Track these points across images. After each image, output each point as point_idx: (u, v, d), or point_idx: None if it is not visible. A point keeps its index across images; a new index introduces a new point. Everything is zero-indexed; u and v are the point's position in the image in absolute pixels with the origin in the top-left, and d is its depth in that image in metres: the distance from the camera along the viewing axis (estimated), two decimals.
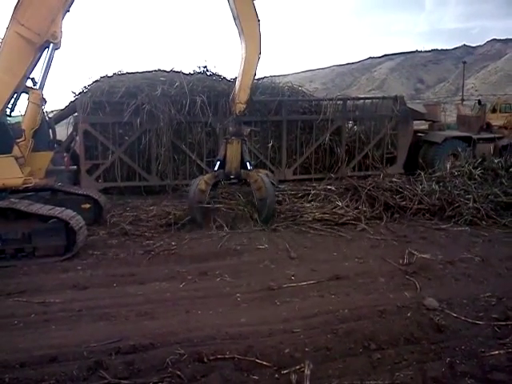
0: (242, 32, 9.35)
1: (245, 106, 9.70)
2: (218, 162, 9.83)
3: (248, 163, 9.84)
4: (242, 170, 9.76)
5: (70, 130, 13.42)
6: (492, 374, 4.08)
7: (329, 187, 10.89)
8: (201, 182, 9.42)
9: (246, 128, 10.26)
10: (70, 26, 8.44)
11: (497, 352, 4.44)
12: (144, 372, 4.16)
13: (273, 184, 10.22)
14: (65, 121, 13.61)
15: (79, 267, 7.20)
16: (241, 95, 9.60)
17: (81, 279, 6.64)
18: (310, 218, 9.47)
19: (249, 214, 9.46)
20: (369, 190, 10.19)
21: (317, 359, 4.36)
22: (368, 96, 12.77)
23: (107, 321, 5.31)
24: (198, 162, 13.19)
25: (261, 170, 10.97)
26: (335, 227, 9.17)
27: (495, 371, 4.12)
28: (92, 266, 7.28)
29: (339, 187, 10.86)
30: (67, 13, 8.10)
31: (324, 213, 9.66)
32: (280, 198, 10.45)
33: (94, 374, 4.10)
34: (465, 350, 4.52)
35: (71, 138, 13.37)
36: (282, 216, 9.63)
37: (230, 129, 10.08)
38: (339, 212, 9.67)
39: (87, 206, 9.16)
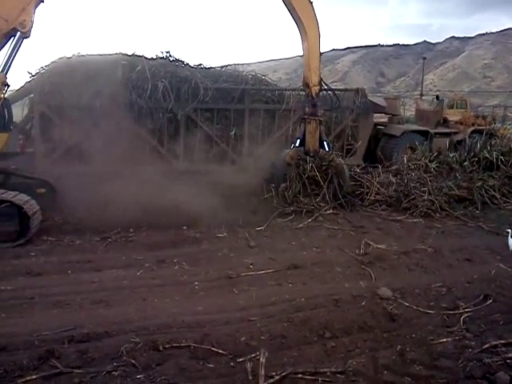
0: (298, 19, 9.85)
1: (319, 88, 10.29)
2: (298, 140, 10.40)
3: (325, 143, 10.44)
4: (321, 150, 10.33)
5: (26, 111, 12.92)
6: (439, 361, 4.25)
7: None
8: (288, 157, 10.14)
9: (320, 110, 10.82)
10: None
11: (445, 340, 4.63)
12: (97, 361, 4.10)
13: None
14: (19, 102, 13.09)
15: (32, 253, 7.00)
16: (313, 78, 10.15)
17: (34, 266, 6.46)
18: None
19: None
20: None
21: (272, 347, 4.42)
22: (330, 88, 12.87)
23: (60, 308, 5.20)
24: (159, 148, 12.98)
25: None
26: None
27: (442, 358, 4.29)
28: (46, 252, 7.09)
29: None
30: (41, 3, 7.91)
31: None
32: None
33: (44, 363, 4.01)
34: (415, 338, 4.69)
35: (27, 119, 12.88)
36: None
37: (307, 109, 10.49)
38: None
39: (42, 190, 8.88)
